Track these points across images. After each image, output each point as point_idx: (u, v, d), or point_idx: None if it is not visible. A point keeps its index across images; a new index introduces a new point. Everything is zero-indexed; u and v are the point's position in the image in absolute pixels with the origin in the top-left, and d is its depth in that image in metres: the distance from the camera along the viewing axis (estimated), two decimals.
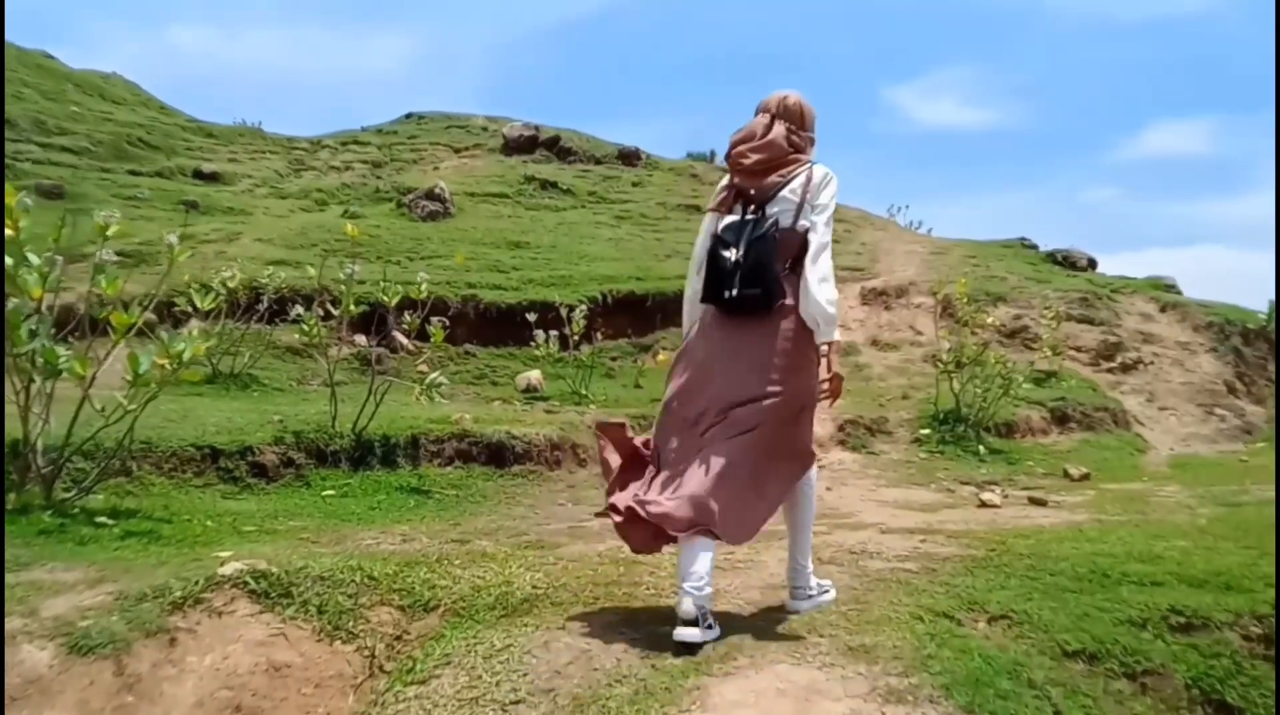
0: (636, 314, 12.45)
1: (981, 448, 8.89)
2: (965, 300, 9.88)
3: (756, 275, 3.23)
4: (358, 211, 15.97)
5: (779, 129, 3.38)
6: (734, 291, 3.24)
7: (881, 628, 3.27)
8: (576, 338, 10.29)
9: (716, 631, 3.20)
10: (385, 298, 6.79)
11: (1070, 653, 3.30)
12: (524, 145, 21.29)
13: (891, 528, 5.36)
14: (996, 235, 19.26)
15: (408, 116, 25.79)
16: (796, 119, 3.43)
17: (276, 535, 4.60)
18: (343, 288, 6.42)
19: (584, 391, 9.70)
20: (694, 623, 3.10)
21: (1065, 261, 17.47)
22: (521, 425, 7.10)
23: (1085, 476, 8.03)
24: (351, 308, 6.49)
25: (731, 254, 3.25)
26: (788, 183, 3.34)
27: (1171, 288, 16.85)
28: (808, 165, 3.38)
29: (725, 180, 3.49)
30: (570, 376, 9.93)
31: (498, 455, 6.75)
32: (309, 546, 4.28)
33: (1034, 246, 18.67)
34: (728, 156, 3.44)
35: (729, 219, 3.36)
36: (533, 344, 10.16)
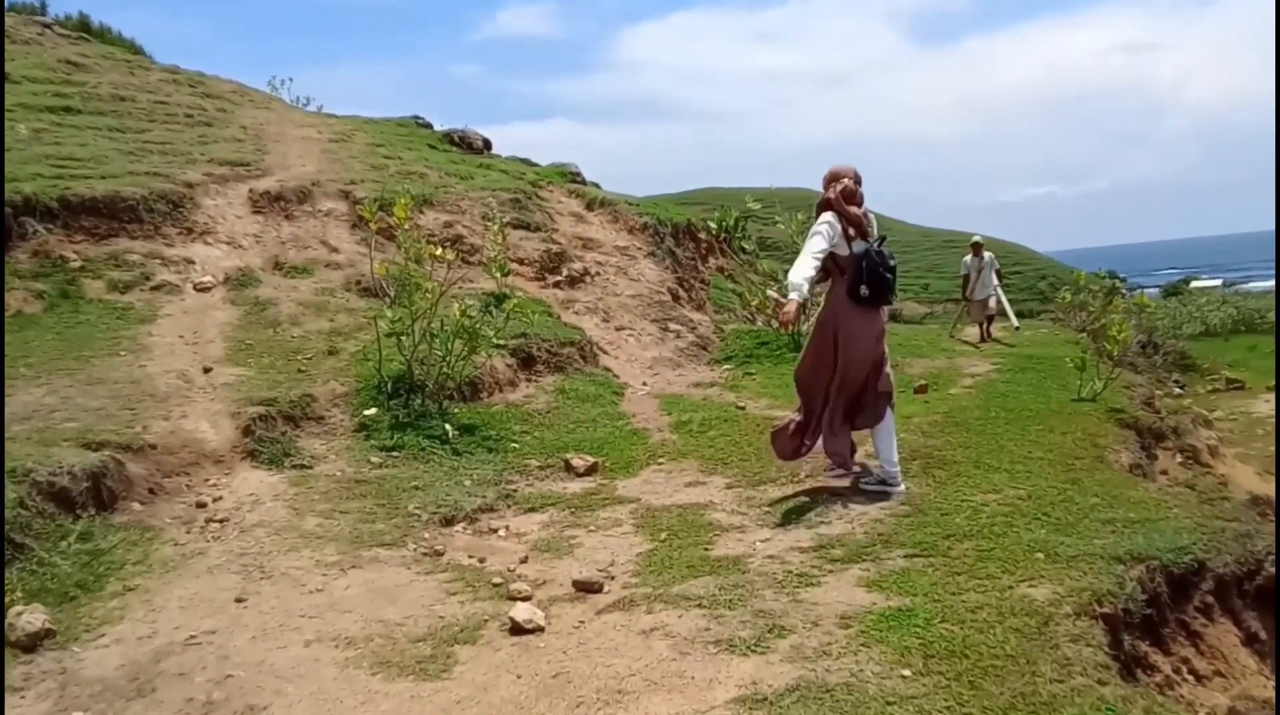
0: None
1: (448, 427, 6.60)
2: (406, 222, 7.29)
3: (894, 286, 5.35)
4: None
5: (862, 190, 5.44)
6: (894, 297, 5.43)
7: None
8: None
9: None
10: None
11: None
12: None
13: None
14: (380, 111, 17.33)
15: None
16: None
17: None
18: None
19: None
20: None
21: (463, 142, 16.59)
22: None
23: (592, 469, 6.22)
24: None
25: (890, 275, 5.20)
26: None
27: (577, 176, 16.13)
28: None
29: (834, 219, 5.21)
30: None
31: None
32: None
33: (428, 125, 17.52)
34: (853, 202, 5.25)
35: (869, 246, 5.19)
36: None
